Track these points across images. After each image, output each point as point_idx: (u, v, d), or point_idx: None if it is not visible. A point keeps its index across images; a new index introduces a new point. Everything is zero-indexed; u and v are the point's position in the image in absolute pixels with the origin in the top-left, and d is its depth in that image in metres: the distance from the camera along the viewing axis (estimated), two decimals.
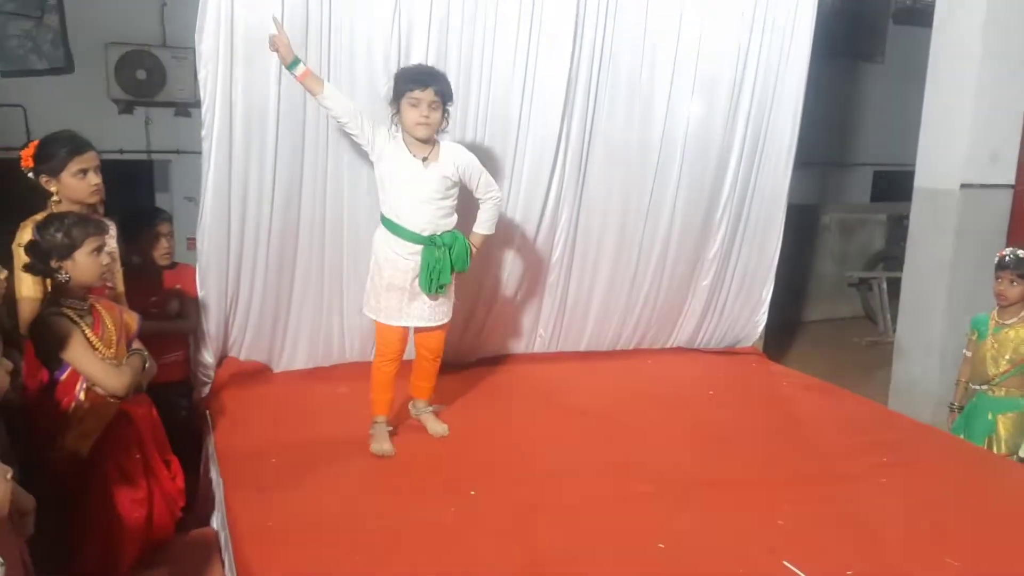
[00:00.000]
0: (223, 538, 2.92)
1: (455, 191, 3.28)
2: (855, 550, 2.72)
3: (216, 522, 3.12)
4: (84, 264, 2.55)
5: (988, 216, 4.77)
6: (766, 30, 4.40)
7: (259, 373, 4.01)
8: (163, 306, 3.73)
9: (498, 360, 4.51)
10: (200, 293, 3.71)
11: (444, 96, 3.18)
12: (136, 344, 2.77)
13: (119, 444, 2.65)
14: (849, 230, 7.96)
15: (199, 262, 3.69)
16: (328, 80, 3.47)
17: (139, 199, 6.19)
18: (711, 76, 4.36)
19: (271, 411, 3.70)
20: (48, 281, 2.59)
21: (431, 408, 3.55)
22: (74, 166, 2.93)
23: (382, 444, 3.31)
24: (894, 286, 6.33)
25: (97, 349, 2.56)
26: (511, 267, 4.29)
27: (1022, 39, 4.71)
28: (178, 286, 3.78)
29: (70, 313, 2.54)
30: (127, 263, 3.52)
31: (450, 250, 3.20)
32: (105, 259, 2.62)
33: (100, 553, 2.62)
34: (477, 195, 3.34)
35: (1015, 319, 3.64)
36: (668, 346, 4.85)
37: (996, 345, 3.66)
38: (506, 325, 4.51)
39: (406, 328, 3.35)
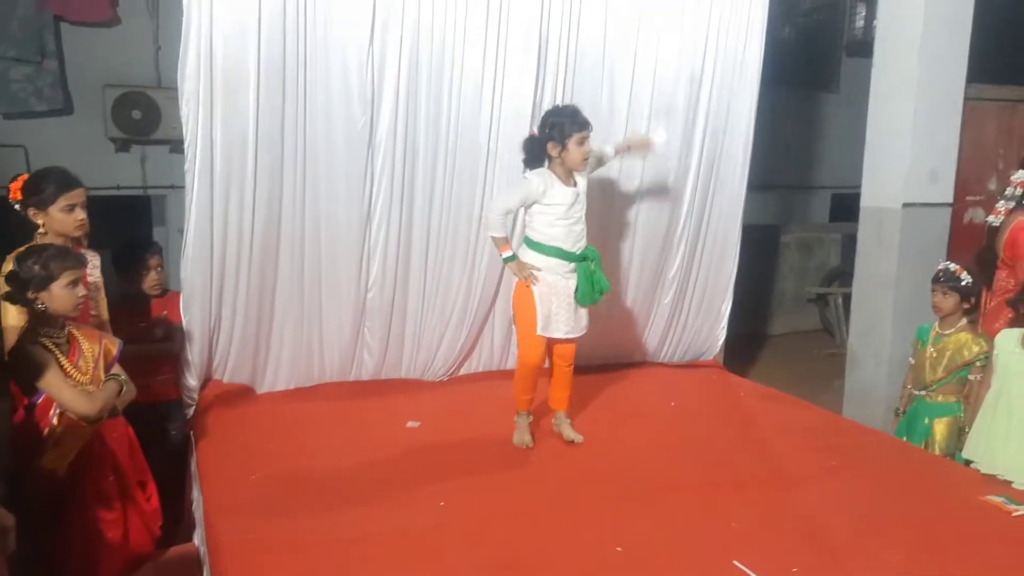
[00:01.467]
0: (203, 553, 2.88)
1: None
2: (802, 548, 2.71)
3: (197, 538, 3.08)
4: (60, 296, 2.53)
5: (929, 233, 4.78)
6: (718, 59, 4.44)
7: (243, 394, 3.98)
8: (150, 331, 3.71)
9: (470, 377, 4.49)
10: (184, 319, 3.69)
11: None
12: (116, 369, 2.74)
13: (94, 466, 2.62)
14: (808, 248, 7.99)
15: (183, 290, 3.68)
16: (305, 109, 3.70)
17: (136, 232, 6.16)
18: (667, 102, 4.39)
19: (253, 430, 3.66)
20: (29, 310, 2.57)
21: (568, 419, 3.65)
22: (63, 201, 2.91)
23: (523, 436, 3.50)
24: (849, 301, 6.33)
25: (71, 376, 2.53)
26: (472, 286, 4.27)
27: (956, 66, 4.76)
28: (165, 312, 3.76)
29: (46, 342, 2.52)
30: (120, 292, 3.53)
31: (596, 261, 3.47)
32: (81, 291, 2.59)
33: (79, 569, 2.58)
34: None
35: (952, 330, 3.65)
36: (632, 361, 4.84)
37: (935, 354, 3.66)
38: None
39: (547, 341, 3.47)
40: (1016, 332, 3.23)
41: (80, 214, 2.96)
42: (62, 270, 2.54)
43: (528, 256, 3.41)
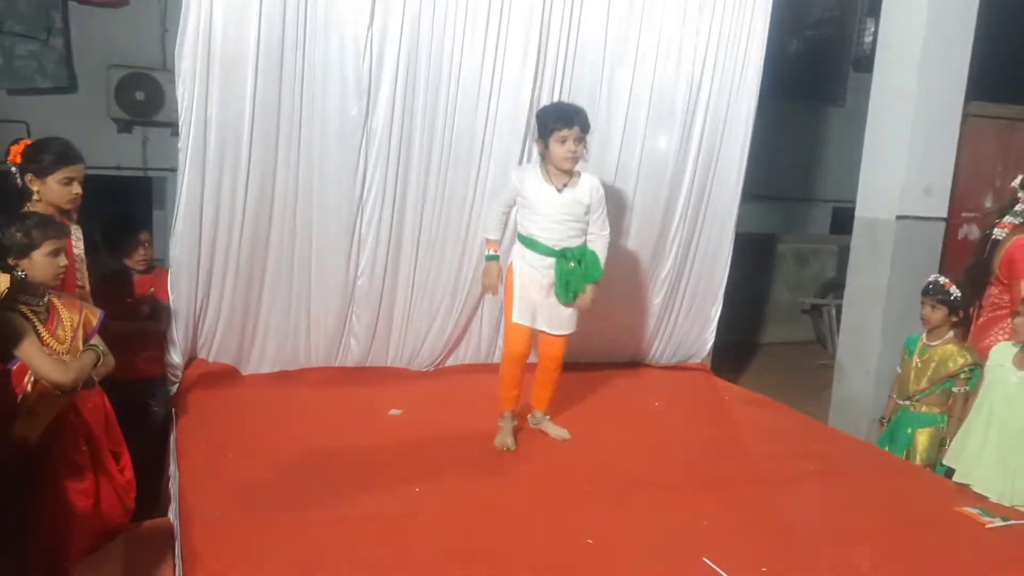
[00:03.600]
0: (176, 528, 2.88)
1: (587, 216, 3.35)
2: (771, 549, 2.71)
3: (172, 513, 3.07)
4: (41, 264, 2.52)
5: (922, 246, 4.76)
6: (718, 64, 4.42)
7: (227, 375, 3.97)
8: (136, 307, 3.70)
9: (456, 368, 4.49)
10: (171, 297, 3.69)
11: (585, 129, 3.28)
12: (95, 340, 2.73)
13: (67, 436, 2.60)
14: (803, 259, 7.96)
15: (171, 267, 3.68)
16: (302, 94, 3.69)
17: (136, 213, 6.18)
18: (665, 105, 4.38)
19: (235, 410, 3.67)
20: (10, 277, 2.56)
21: (547, 417, 3.62)
22: (61, 173, 2.91)
23: (505, 438, 3.41)
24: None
25: (48, 345, 2.52)
26: (462, 277, 4.26)
27: (955, 82, 4.74)
28: (152, 289, 3.76)
29: (24, 310, 2.50)
30: (107, 268, 3.53)
31: (579, 262, 3.32)
32: (63, 260, 2.59)
33: (49, 538, 2.55)
34: (592, 228, 3.41)
35: (939, 342, 3.63)
36: (620, 361, 4.82)
37: (919, 364, 3.65)
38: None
39: (531, 331, 3.41)
40: (1011, 348, 3.21)
41: (76, 188, 2.96)
42: (44, 238, 2.53)
43: (516, 247, 3.42)
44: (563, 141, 3.23)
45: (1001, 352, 3.24)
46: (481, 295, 3.61)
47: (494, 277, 3.43)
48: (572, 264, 3.32)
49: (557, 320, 3.41)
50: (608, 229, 3.46)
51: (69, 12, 5.81)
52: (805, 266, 7.94)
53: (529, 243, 3.34)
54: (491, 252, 3.45)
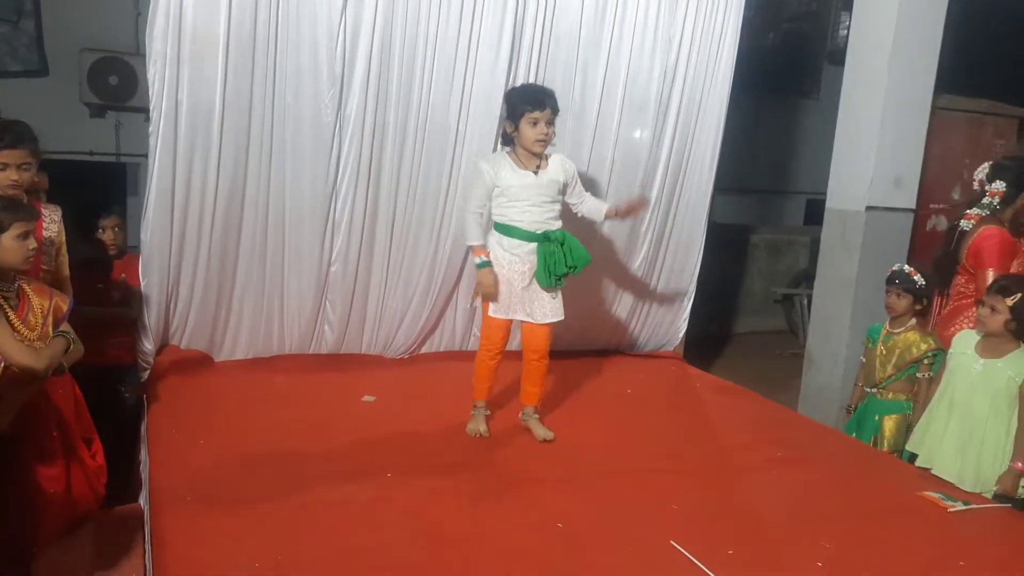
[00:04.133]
0: (146, 513, 2.86)
1: (561, 196, 3.34)
2: (738, 533, 2.74)
3: (142, 499, 3.06)
4: (10, 248, 2.48)
5: (890, 237, 4.82)
6: (692, 57, 4.44)
7: (199, 361, 3.95)
8: (108, 293, 3.67)
9: (430, 356, 4.49)
10: (143, 282, 3.66)
11: (556, 112, 3.26)
12: (64, 327, 2.70)
13: (38, 422, 2.58)
14: (777, 250, 8.02)
15: (142, 253, 3.65)
16: (275, 79, 3.66)
17: (109, 199, 6.10)
18: (639, 96, 4.39)
19: (207, 397, 3.65)
20: None
21: (537, 415, 3.51)
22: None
23: (478, 425, 3.39)
24: None
25: (18, 331, 2.49)
26: (436, 265, 4.26)
27: (924, 75, 4.80)
28: (123, 275, 3.72)
29: None
30: (81, 253, 3.47)
31: (562, 244, 3.25)
32: (32, 244, 2.55)
33: (18, 522, 2.54)
34: (572, 199, 3.43)
35: (902, 329, 3.69)
36: (594, 349, 4.84)
37: (885, 352, 3.70)
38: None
39: (509, 323, 3.36)
40: (974, 336, 3.26)
41: (13, 174, 2.77)
42: (12, 221, 2.49)
43: (492, 237, 3.33)
44: (535, 123, 3.17)
45: (964, 340, 3.29)
46: (474, 298, 3.46)
47: (491, 284, 3.26)
48: (553, 246, 3.24)
49: (540, 308, 3.32)
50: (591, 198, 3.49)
51: None
52: (778, 257, 8.01)
53: (508, 230, 3.26)
54: (482, 259, 3.28)
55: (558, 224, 3.32)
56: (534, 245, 3.26)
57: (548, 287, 3.29)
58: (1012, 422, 3.09)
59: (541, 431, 3.43)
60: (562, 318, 3.38)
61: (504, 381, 3.62)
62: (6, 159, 2.78)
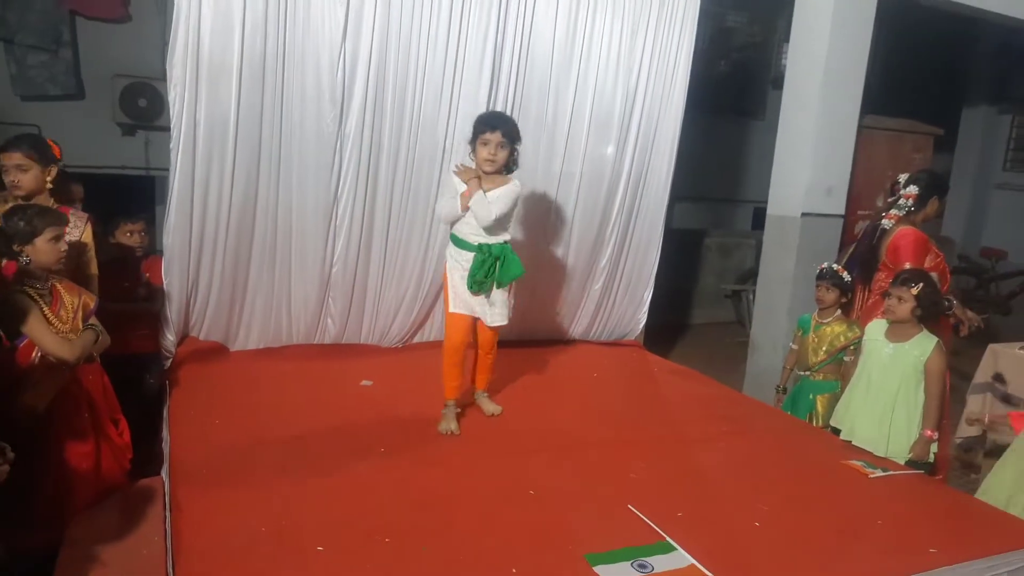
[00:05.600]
0: (166, 485, 2.84)
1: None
2: (688, 498, 2.75)
3: (164, 472, 3.03)
4: (43, 249, 2.47)
5: (823, 240, 4.85)
6: (650, 80, 4.42)
7: (216, 351, 3.92)
8: (133, 291, 3.63)
9: (422, 344, 4.47)
10: (165, 281, 3.63)
11: (511, 138, 3.09)
12: (92, 320, 2.68)
13: (70, 404, 2.57)
14: (727, 251, 8.05)
15: (164, 255, 3.62)
16: (282, 101, 3.62)
17: (136, 208, 6.05)
18: (604, 115, 4.37)
19: (223, 381, 3.62)
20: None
21: (487, 395, 3.49)
22: None
23: (448, 424, 3.21)
24: None
25: (52, 324, 2.47)
26: (426, 265, 4.23)
27: (852, 97, 4.83)
28: (147, 275, 3.69)
29: (31, 292, 2.46)
30: (109, 255, 3.44)
31: (497, 258, 3.10)
32: (63, 246, 2.54)
33: (53, 495, 2.52)
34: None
35: (830, 319, 3.72)
36: (563, 338, 4.85)
37: (816, 339, 3.73)
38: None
39: (470, 321, 3.22)
40: (883, 324, 3.29)
41: (11, 176, 2.72)
42: (45, 226, 2.48)
43: (449, 246, 3.23)
44: (485, 144, 3.06)
45: (875, 328, 3.32)
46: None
47: (470, 174, 3.09)
48: (484, 258, 3.09)
49: (488, 313, 3.21)
50: (501, 211, 3.08)
51: (77, 26, 5.69)
52: (728, 257, 8.04)
53: (455, 240, 3.17)
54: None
55: (501, 239, 3.15)
56: (472, 255, 3.12)
57: (472, 291, 3.15)
58: (920, 396, 3.12)
59: (490, 407, 3.43)
60: (506, 323, 3.26)
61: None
62: (3, 161, 2.74)
